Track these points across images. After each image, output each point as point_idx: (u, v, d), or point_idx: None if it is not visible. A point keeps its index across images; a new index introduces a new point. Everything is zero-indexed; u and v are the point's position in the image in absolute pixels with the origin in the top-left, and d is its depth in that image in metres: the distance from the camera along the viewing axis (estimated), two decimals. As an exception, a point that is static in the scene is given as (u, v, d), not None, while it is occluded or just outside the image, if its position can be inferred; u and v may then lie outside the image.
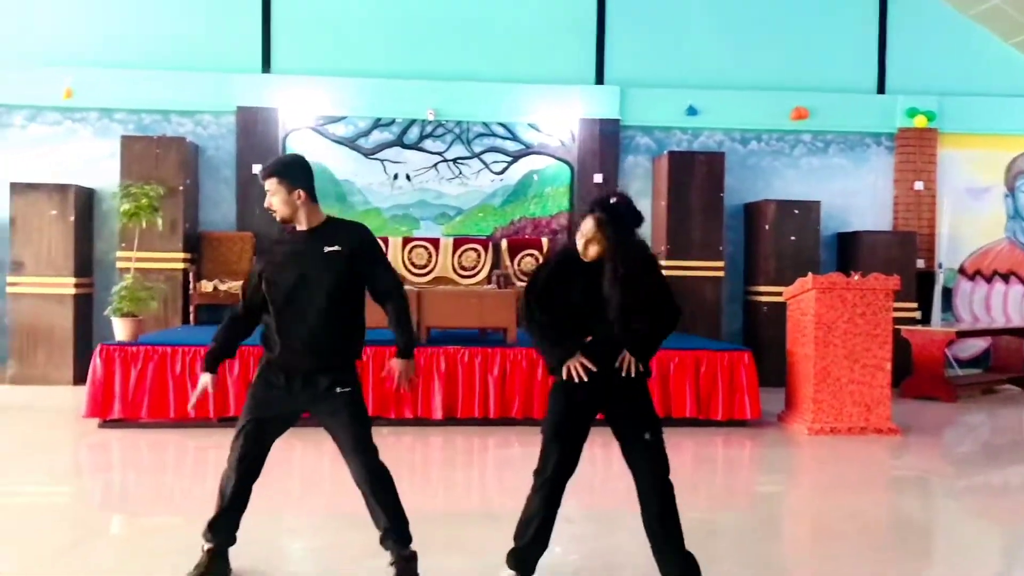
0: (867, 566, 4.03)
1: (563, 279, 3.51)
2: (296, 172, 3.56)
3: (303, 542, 4.31)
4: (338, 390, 3.50)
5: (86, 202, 9.37)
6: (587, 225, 3.44)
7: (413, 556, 3.54)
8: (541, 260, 3.61)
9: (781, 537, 4.71)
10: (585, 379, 3.39)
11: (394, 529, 3.51)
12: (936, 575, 4.13)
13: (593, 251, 3.43)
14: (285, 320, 3.47)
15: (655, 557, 3.45)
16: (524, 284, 3.59)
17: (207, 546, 3.56)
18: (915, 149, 10.34)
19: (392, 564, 3.51)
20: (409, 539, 3.54)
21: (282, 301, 3.47)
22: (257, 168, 9.44)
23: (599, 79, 10.14)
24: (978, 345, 10.46)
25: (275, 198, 3.51)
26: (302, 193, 3.53)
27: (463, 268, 9.68)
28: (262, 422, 3.53)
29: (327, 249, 3.50)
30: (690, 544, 3.46)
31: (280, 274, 3.49)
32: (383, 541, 3.54)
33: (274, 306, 3.49)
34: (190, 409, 3.69)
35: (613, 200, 3.47)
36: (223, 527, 3.57)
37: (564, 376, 3.42)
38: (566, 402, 3.46)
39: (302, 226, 3.56)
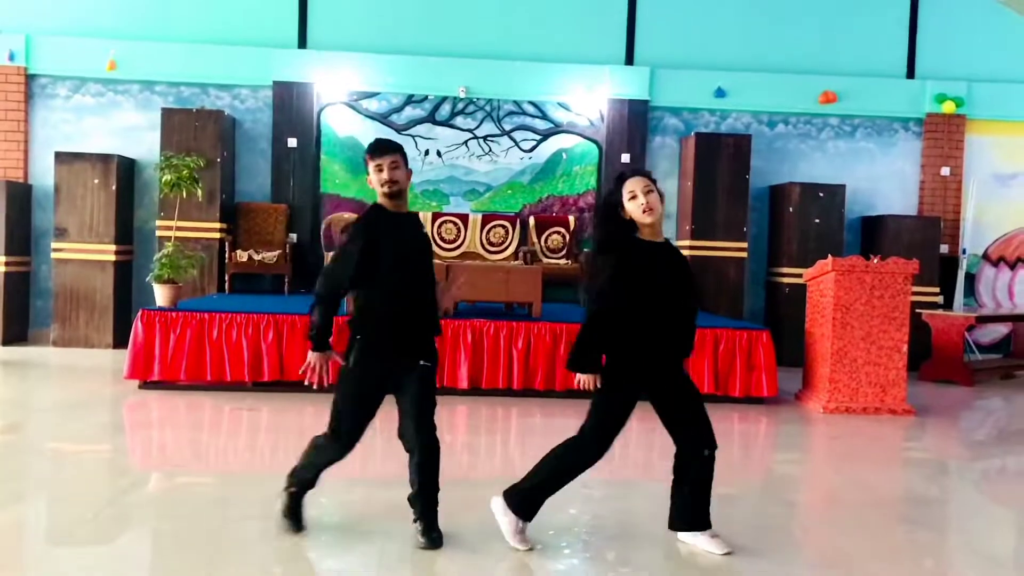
0: (877, 536, 4.22)
1: (642, 272, 3.64)
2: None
3: (335, 497, 4.56)
4: (422, 362, 3.77)
5: (127, 172, 9.68)
6: (639, 191, 3.63)
7: (432, 516, 3.78)
8: (589, 264, 3.74)
9: (794, 505, 4.90)
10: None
11: (426, 491, 3.76)
12: (945, 545, 4.31)
13: (653, 220, 3.63)
14: (398, 295, 3.71)
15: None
16: (588, 280, 3.72)
17: (291, 489, 3.85)
18: (943, 134, 10.39)
19: (416, 520, 3.77)
20: (435, 506, 3.79)
21: (399, 277, 3.70)
22: (293, 142, 9.80)
23: (629, 60, 10.26)
24: (999, 331, 10.54)
25: (399, 171, 3.75)
26: (410, 172, 3.84)
27: (491, 243, 9.89)
28: (369, 408, 3.75)
29: (423, 231, 3.88)
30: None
31: (400, 250, 3.71)
32: (412, 499, 3.79)
33: (389, 281, 3.68)
34: (307, 381, 3.79)
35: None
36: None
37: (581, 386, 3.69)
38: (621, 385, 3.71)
39: (403, 208, 3.80)
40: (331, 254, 3.73)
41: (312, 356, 3.75)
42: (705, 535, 3.81)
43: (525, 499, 3.76)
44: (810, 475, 5.71)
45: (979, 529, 4.55)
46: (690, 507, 3.82)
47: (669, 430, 3.81)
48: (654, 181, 3.72)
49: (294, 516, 3.85)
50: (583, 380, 3.68)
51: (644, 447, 5.75)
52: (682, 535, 3.87)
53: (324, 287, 3.74)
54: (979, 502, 5.11)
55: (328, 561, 3.67)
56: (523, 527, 3.76)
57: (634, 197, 3.64)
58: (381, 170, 3.74)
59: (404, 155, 3.83)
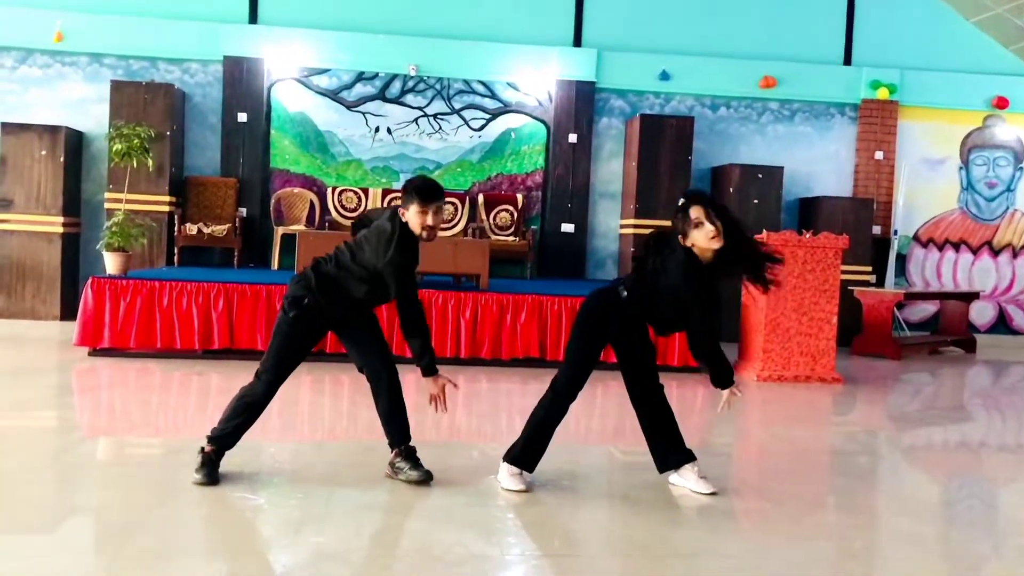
0: (803, 483, 4.52)
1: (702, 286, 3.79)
2: None
3: (311, 440, 4.71)
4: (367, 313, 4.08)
5: (75, 144, 9.65)
6: (704, 219, 3.72)
7: (413, 447, 4.08)
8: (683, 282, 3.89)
9: (728, 458, 5.17)
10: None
11: (398, 420, 4.05)
12: (863, 489, 4.62)
13: (719, 246, 3.73)
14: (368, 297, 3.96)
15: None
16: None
17: (207, 448, 3.94)
18: (877, 120, 10.80)
19: (399, 456, 4.04)
20: (409, 433, 4.09)
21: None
22: (243, 116, 9.82)
23: (577, 42, 10.49)
24: (928, 309, 11.01)
25: (439, 216, 3.91)
26: None
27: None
28: (298, 354, 3.99)
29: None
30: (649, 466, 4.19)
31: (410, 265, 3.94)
32: (387, 432, 4.07)
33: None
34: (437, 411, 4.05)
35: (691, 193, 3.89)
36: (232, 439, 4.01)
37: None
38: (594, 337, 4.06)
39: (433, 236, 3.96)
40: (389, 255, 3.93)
41: (430, 383, 3.97)
42: (693, 475, 4.12)
43: (520, 455, 4.06)
44: (743, 431, 6.01)
45: (898, 478, 4.87)
46: (667, 446, 4.16)
47: (625, 373, 4.14)
48: (713, 203, 3.81)
49: (210, 469, 3.89)
50: (727, 395, 4.01)
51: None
52: (672, 477, 4.18)
53: (399, 294, 3.89)
54: (897, 457, 5.44)
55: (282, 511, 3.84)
56: (519, 470, 4.03)
57: (700, 225, 3.73)
58: (426, 214, 3.84)
59: (444, 199, 3.99)
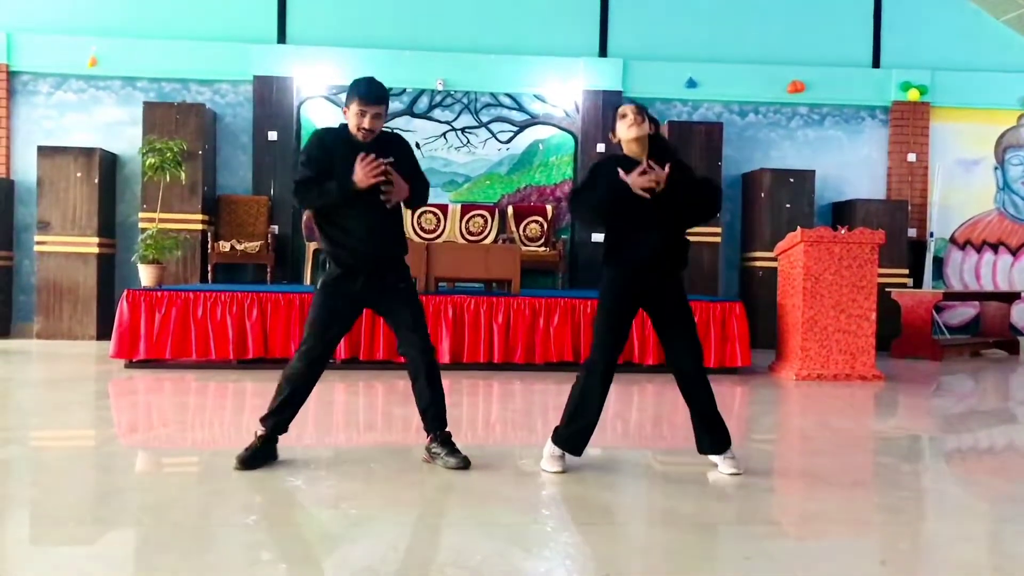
0: (846, 466, 4.41)
1: (615, 190, 3.85)
2: None
3: (346, 435, 4.69)
4: (401, 286, 4.02)
5: (110, 166, 9.79)
6: (629, 112, 3.90)
7: (448, 432, 4.06)
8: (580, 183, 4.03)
9: (770, 443, 5.07)
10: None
11: (435, 406, 4.02)
12: (904, 469, 4.50)
13: (638, 134, 3.85)
14: (355, 216, 3.91)
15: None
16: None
17: (259, 432, 3.97)
18: (908, 122, 10.69)
19: (435, 442, 4.02)
20: (446, 420, 4.07)
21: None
22: (273, 135, 9.92)
23: (603, 52, 10.51)
24: (968, 313, 10.81)
25: (380, 121, 3.91)
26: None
27: (470, 233, 10.05)
28: (332, 325, 3.98)
29: (392, 153, 3.94)
30: (689, 451, 4.14)
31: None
32: (424, 418, 4.04)
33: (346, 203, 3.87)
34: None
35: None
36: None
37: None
38: (619, 296, 3.98)
39: (369, 139, 3.92)
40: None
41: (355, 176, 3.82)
42: (722, 456, 4.06)
43: (564, 435, 4.01)
44: (785, 424, 5.89)
45: (947, 462, 4.75)
46: (706, 432, 4.08)
47: (664, 345, 4.07)
48: (646, 111, 3.98)
49: (251, 456, 3.90)
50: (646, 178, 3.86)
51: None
52: (712, 457, 4.14)
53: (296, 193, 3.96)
54: (945, 441, 5.30)
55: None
56: (561, 453, 4.00)
57: (624, 116, 3.92)
58: (363, 116, 3.85)
59: (388, 104, 4.00)
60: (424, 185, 4.09)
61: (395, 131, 4.34)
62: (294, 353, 4.04)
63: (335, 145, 3.92)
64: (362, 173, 3.78)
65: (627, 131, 3.90)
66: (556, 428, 4.04)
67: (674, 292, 4.03)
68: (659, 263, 3.96)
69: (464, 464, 3.96)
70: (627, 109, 3.95)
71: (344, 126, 3.96)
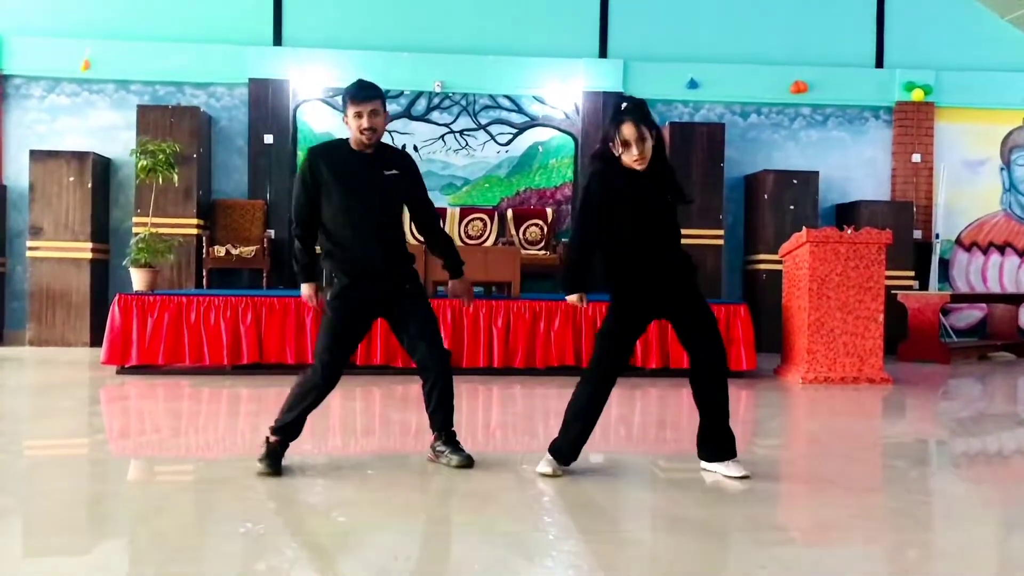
0: (854, 464, 4.26)
1: (615, 197, 3.71)
2: None
3: (343, 441, 4.54)
4: (407, 287, 3.93)
5: (103, 170, 9.65)
6: (633, 142, 3.64)
7: (454, 431, 4.00)
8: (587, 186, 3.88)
9: (777, 444, 4.92)
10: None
11: (445, 411, 3.94)
12: (913, 468, 4.35)
13: (643, 167, 3.68)
14: (354, 225, 3.82)
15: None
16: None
17: (272, 439, 3.85)
18: (912, 122, 10.55)
19: (439, 440, 3.97)
20: (452, 421, 4.00)
21: (356, 207, 3.80)
22: (269, 138, 9.80)
23: (602, 53, 10.37)
24: (975, 315, 10.66)
25: (379, 118, 3.78)
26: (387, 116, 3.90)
27: (469, 236, 9.91)
28: (346, 337, 3.87)
29: (387, 172, 3.85)
30: (694, 456, 4.06)
31: (350, 183, 3.80)
32: (432, 419, 3.97)
33: (344, 212, 3.80)
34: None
35: (629, 104, 3.73)
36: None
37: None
38: (626, 316, 3.81)
39: (369, 150, 3.83)
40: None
41: (303, 289, 3.93)
42: (727, 462, 3.91)
43: (558, 444, 3.88)
44: (792, 424, 5.74)
45: (956, 464, 4.60)
46: (710, 438, 3.92)
47: (684, 345, 3.93)
48: (648, 117, 3.72)
49: (273, 460, 3.81)
50: (571, 299, 3.86)
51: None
52: (705, 464, 3.98)
53: (295, 227, 3.93)
54: (956, 445, 5.15)
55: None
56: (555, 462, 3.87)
57: (628, 146, 3.66)
58: (361, 116, 3.75)
59: (384, 100, 3.86)
60: (433, 217, 4.09)
61: (403, 148, 4.27)
62: (309, 360, 4.03)
63: (333, 162, 3.82)
64: (307, 298, 3.92)
65: (632, 163, 3.68)
66: (553, 440, 3.92)
67: (690, 297, 3.89)
68: (668, 276, 3.81)
69: (468, 462, 3.91)
70: (631, 136, 3.64)
71: (345, 141, 3.88)
